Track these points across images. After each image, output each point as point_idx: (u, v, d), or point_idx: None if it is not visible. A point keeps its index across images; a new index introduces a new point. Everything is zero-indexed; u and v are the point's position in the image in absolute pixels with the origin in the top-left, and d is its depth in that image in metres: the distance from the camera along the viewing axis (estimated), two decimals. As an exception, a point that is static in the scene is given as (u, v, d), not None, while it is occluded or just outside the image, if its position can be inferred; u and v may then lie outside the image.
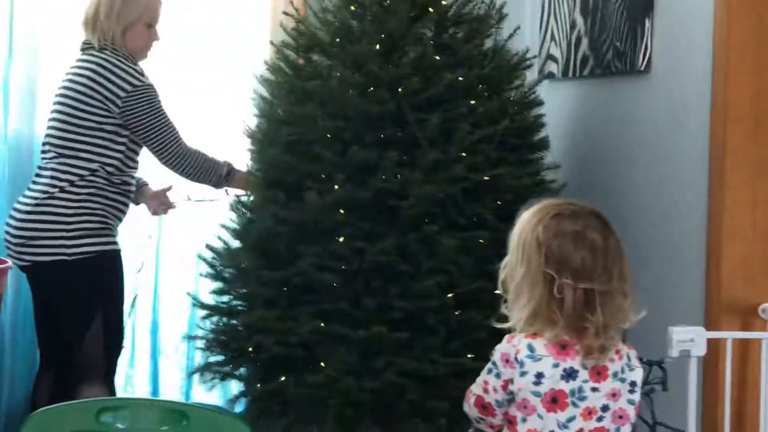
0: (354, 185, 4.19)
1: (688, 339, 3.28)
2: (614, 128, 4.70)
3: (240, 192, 4.59)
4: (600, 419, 2.45)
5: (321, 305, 4.21)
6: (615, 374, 2.47)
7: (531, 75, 4.83)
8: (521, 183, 4.33)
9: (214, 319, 4.57)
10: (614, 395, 2.47)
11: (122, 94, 4.33)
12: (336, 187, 4.20)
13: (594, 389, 2.45)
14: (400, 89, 4.26)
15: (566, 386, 2.43)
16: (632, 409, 2.51)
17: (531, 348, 2.43)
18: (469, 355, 4.15)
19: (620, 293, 2.44)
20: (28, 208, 4.29)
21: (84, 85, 4.34)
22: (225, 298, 4.60)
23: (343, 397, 4.08)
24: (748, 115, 3.94)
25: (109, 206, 4.36)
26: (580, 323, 2.41)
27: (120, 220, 4.45)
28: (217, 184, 4.60)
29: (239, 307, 4.53)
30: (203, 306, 4.61)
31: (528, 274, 2.45)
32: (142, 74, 4.42)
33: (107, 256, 4.34)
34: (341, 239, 4.19)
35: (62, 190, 4.28)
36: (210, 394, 4.76)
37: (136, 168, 4.49)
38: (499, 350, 2.49)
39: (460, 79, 4.33)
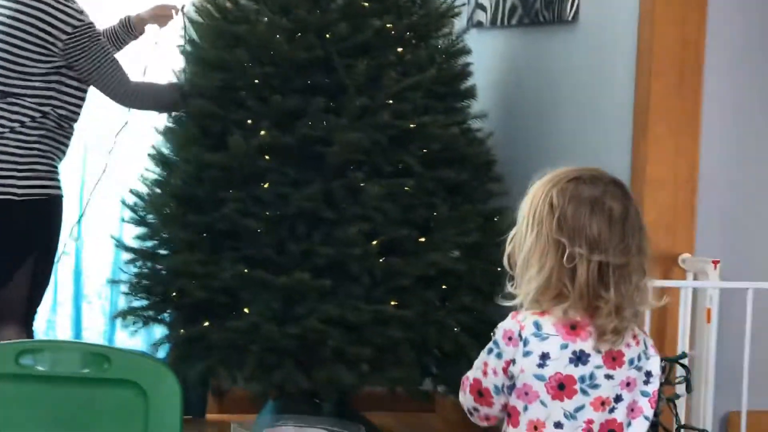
0: (279, 131, 4.17)
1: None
2: (541, 78, 4.71)
3: None
4: (612, 410, 2.15)
5: (244, 251, 4.20)
6: (631, 361, 2.16)
7: (459, 23, 4.82)
8: (448, 131, 4.33)
9: (138, 263, 4.54)
10: (629, 384, 2.16)
11: (64, 36, 4.24)
12: (261, 132, 4.17)
13: (608, 377, 2.14)
14: (328, 35, 4.23)
15: (575, 371, 2.12)
16: (647, 402, 2.20)
17: (537, 325, 2.13)
18: (392, 303, 4.17)
19: (639, 270, 2.15)
20: None
21: (21, 29, 4.24)
22: (149, 243, 4.56)
23: (265, 342, 4.08)
24: (672, 67, 3.97)
25: (58, 149, 4.33)
26: (593, 301, 2.12)
27: (61, 160, 4.42)
28: (172, 108, 4.54)
29: (163, 252, 4.51)
30: (127, 250, 4.57)
31: (538, 241, 2.14)
32: (81, 12, 4.33)
33: (53, 200, 4.31)
34: (265, 185, 4.17)
35: (13, 130, 4.22)
36: (133, 339, 4.74)
37: (80, 111, 4.44)
38: (502, 327, 2.18)
39: (389, 26, 4.31)
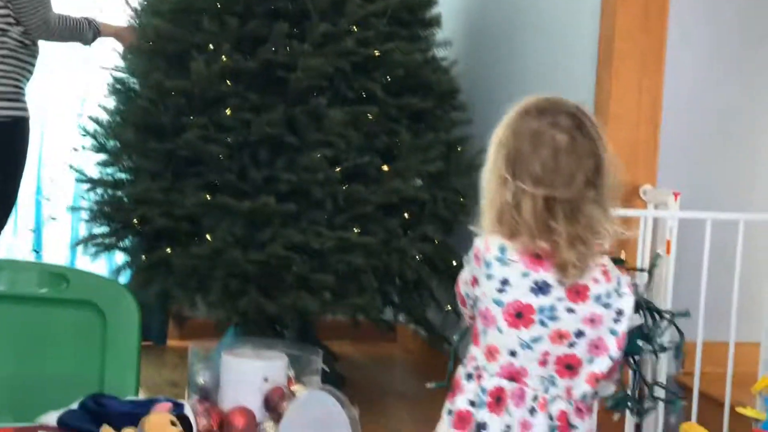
0: (241, 55, 4.14)
1: (569, 214, 3.27)
2: (507, 7, 4.69)
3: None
4: (572, 345, 2.08)
5: (207, 177, 4.19)
6: (598, 297, 2.08)
7: (425, -50, 4.77)
8: (412, 59, 4.32)
9: (99, 191, 4.52)
10: (593, 321, 2.08)
11: None
12: (223, 57, 4.14)
13: (570, 310, 2.07)
14: (291, -40, 4.20)
15: (535, 301, 2.06)
16: (614, 341, 2.10)
17: (502, 249, 2.07)
18: (355, 230, 4.17)
19: (591, 202, 2.06)
20: None
21: None
22: (110, 170, 4.54)
23: (229, 268, 4.08)
24: (637, 3, 3.96)
25: (23, 69, 4.27)
26: (546, 234, 2.06)
27: (28, 81, 4.36)
28: (87, 42, 4.50)
29: (124, 180, 4.49)
30: (87, 179, 4.55)
31: (492, 176, 2.11)
32: None
33: (17, 121, 4.26)
34: (228, 111, 4.15)
35: None
36: (94, 265, 4.72)
37: None
38: (475, 244, 2.13)
39: (353, -49, 4.28)
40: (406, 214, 4.32)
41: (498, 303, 2.08)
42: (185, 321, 5.29)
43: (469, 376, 2.13)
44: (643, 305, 2.20)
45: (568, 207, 2.06)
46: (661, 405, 3.41)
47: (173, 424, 2.34)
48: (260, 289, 4.15)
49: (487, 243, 2.10)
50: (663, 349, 2.33)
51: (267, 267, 4.08)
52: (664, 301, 3.68)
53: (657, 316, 2.32)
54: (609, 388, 2.19)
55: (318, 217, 4.14)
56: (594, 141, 2.09)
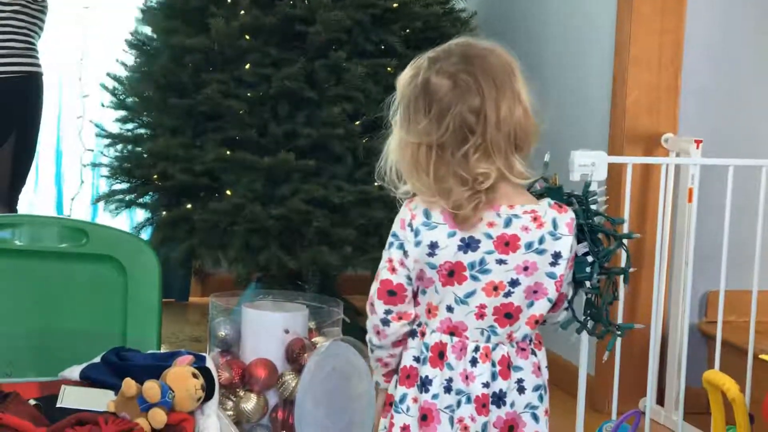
0: (260, 10, 4.11)
1: (590, 163, 3.25)
2: (525, -43, 4.65)
3: None
4: (508, 294, 2.08)
5: (227, 132, 4.17)
6: (529, 245, 2.08)
7: None
8: (430, 11, 4.28)
9: (119, 147, 4.52)
10: (526, 269, 2.08)
11: None
12: (242, 12, 4.12)
13: (500, 261, 2.07)
14: None
15: (465, 258, 2.06)
16: (552, 284, 2.10)
17: (427, 214, 2.07)
18: (375, 184, 4.16)
19: (470, 145, 2.04)
20: None
21: None
22: (129, 126, 4.53)
23: (249, 223, 4.07)
24: (659, -54, 3.93)
25: (34, 24, 4.27)
26: (438, 183, 2.05)
27: (40, 37, 4.36)
28: None
29: (144, 135, 4.48)
30: (107, 134, 4.55)
31: (397, 132, 2.12)
32: None
33: (31, 77, 4.26)
34: (247, 66, 4.13)
35: None
36: (115, 222, 4.73)
37: None
38: (398, 217, 2.12)
39: None
40: (426, 167, 4.30)
41: (431, 266, 2.08)
42: (207, 277, 5.31)
43: (413, 334, 2.13)
44: (586, 230, 2.18)
45: (450, 152, 2.04)
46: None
47: (195, 376, 2.35)
48: (281, 245, 4.15)
49: (411, 210, 2.09)
50: (609, 273, 2.31)
51: (287, 222, 4.08)
52: (686, 249, 3.66)
53: (608, 239, 2.30)
54: (558, 316, 2.20)
55: (338, 171, 4.13)
56: (483, 74, 2.06)
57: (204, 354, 2.51)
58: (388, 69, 4.17)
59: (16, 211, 4.40)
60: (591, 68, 4.21)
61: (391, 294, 2.10)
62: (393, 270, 2.09)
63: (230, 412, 2.51)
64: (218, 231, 4.17)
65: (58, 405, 2.34)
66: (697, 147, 3.80)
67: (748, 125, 4.10)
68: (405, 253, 2.08)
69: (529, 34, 4.59)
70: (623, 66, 3.97)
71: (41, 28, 4.35)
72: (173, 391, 2.30)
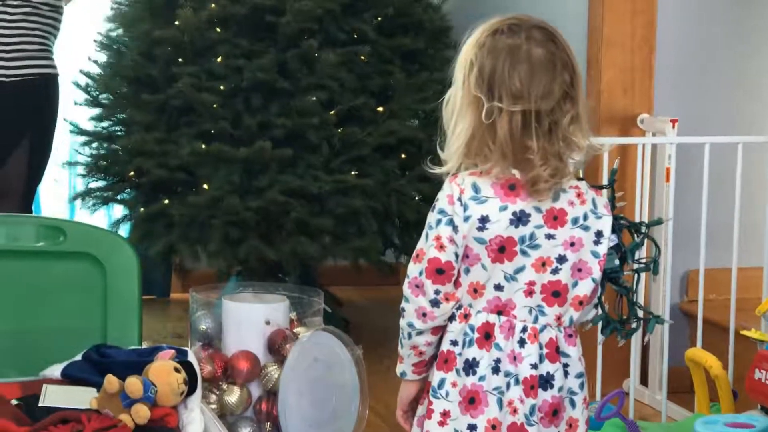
0: (229, 1, 4.10)
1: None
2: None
3: None
4: (555, 271, 2.07)
5: (201, 126, 4.16)
6: (575, 220, 2.08)
7: None
8: (401, -3, 4.29)
9: (94, 145, 4.50)
10: (573, 245, 2.08)
11: None
12: (211, 4, 4.11)
13: (549, 236, 2.06)
14: None
15: (515, 232, 2.04)
16: (596, 263, 2.09)
17: (475, 188, 2.04)
18: (352, 172, 4.15)
19: (566, 114, 2.04)
20: None
21: None
22: (104, 124, 4.52)
23: (227, 216, 4.06)
24: None
25: (47, 25, 4.24)
26: (520, 154, 2.03)
27: (56, 38, 4.34)
28: None
29: (119, 133, 4.47)
30: (82, 132, 4.53)
31: (463, 100, 2.05)
32: None
33: (47, 79, 4.24)
34: (218, 58, 4.12)
35: None
36: (93, 219, 4.71)
37: None
38: (443, 193, 2.06)
39: None
40: (403, 155, 4.30)
41: (480, 241, 2.05)
42: (188, 273, 5.29)
43: (451, 317, 2.10)
44: (616, 222, 2.19)
45: (546, 122, 2.03)
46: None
47: (177, 370, 2.34)
48: (260, 236, 4.14)
49: (459, 185, 2.05)
50: (641, 264, 2.33)
51: (266, 213, 4.07)
52: (665, 229, 3.66)
53: (633, 232, 2.31)
54: (588, 314, 2.18)
55: (315, 161, 4.12)
56: (568, 54, 2.07)
57: (186, 348, 2.50)
58: (361, 57, 4.17)
59: (31, 210, 4.40)
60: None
61: (440, 272, 2.06)
62: (441, 247, 2.05)
63: (214, 406, 2.50)
64: (197, 225, 4.16)
65: (40, 404, 2.32)
66: (673, 126, 3.80)
67: (724, 103, 4.11)
68: (455, 228, 2.04)
69: (500, 12, 4.57)
70: (597, 47, 3.96)
71: (57, 29, 4.32)
72: (155, 386, 2.29)
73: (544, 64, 2.04)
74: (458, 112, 2.07)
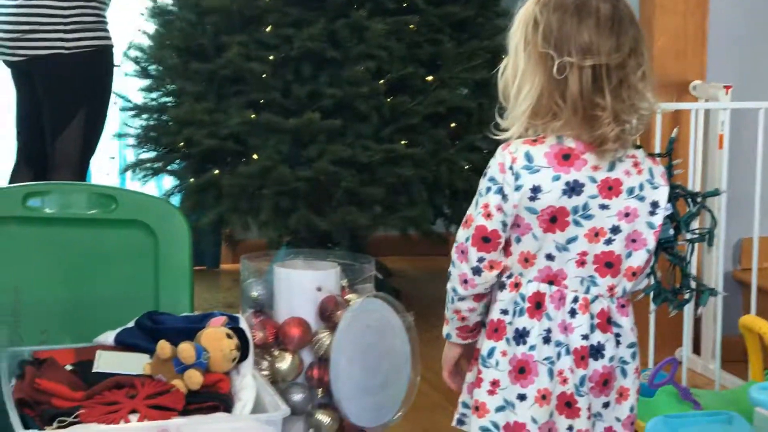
0: (279, -31, 4.10)
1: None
2: None
3: None
4: (609, 242, 2.05)
5: (250, 96, 4.17)
6: (631, 190, 2.05)
7: None
8: (451, -35, 4.26)
9: (144, 116, 4.52)
10: (627, 215, 2.05)
11: None
12: (261, -27, 4.11)
13: (603, 206, 2.03)
14: None
15: (568, 203, 2.02)
16: (651, 234, 2.07)
17: (528, 157, 2.01)
18: (402, 141, 4.15)
19: (635, 70, 2.01)
20: (19, 2, 4.18)
21: None
22: (154, 95, 4.53)
23: (278, 186, 4.07)
24: None
25: None
26: (589, 110, 1.99)
27: (107, 9, 4.36)
28: None
29: (168, 103, 4.48)
30: (132, 105, 4.55)
31: (529, 61, 2.03)
32: None
33: (103, 51, 4.26)
34: (268, 27, 4.12)
35: None
36: (144, 190, 4.73)
37: None
38: (495, 161, 2.05)
39: None
40: (453, 124, 4.28)
41: (531, 211, 2.03)
42: (238, 244, 5.31)
43: (502, 286, 2.09)
44: (672, 191, 2.15)
45: (616, 78, 2.00)
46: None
47: (229, 337, 2.34)
48: (310, 206, 4.15)
49: (512, 153, 2.03)
50: (695, 235, 2.30)
51: (316, 183, 4.07)
52: (719, 197, 3.62)
53: (688, 202, 2.27)
54: (641, 284, 2.15)
55: (364, 130, 4.12)
56: (631, 10, 2.05)
57: (237, 315, 2.51)
58: (410, 26, 4.15)
59: (86, 180, 4.45)
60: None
61: (486, 240, 2.05)
62: (488, 215, 2.04)
63: (265, 372, 2.50)
64: (247, 195, 4.17)
65: (93, 370, 2.34)
66: (727, 93, 3.75)
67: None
68: (504, 197, 2.03)
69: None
70: (649, 13, 3.92)
71: (106, 3, 4.33)
72: (208, 352, 2.30)
73: (612, 19, 2.00)
74: (522, 74, 2.04)
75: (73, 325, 2.62)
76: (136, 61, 4.53)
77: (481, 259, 2.06)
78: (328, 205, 4.16)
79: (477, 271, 2.07)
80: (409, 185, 4.16)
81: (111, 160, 5.36)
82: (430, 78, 4.22)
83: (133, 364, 2.34)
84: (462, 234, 2.09)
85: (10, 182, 4.39)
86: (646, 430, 2.64)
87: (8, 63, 4.29)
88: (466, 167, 4.26)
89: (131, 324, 2.49)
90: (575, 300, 2.06)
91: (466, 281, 2.09)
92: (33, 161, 4.40)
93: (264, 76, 4.12)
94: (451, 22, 4.32)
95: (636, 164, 2.06)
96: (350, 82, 4.06)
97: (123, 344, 2.44)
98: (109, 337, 2.47)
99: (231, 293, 4.87)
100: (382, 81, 4.10)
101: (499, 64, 2.08)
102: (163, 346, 2.29)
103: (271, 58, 4.11)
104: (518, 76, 2.05)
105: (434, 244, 4.65)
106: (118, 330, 2.47)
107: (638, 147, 2.10)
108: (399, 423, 2.62)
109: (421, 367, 2.65)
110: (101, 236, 2.68)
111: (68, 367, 2.34)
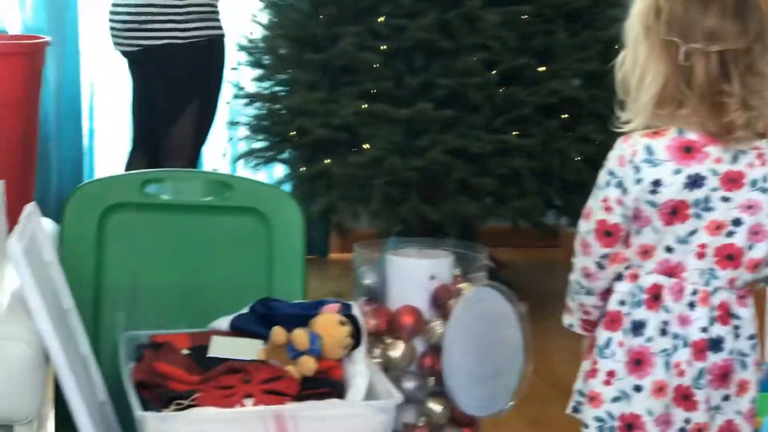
0: (393, -39, 4.11)
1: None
2: None
3: None
4: (730, 234, 2.01)
5: (363, 86, 4.18)
6: (754, 183, 2.01)
7: None
8: (566, -44, 4.23)
9: (257, 105, 4.56)
10: (750, 207, 2.01)
11: None
12: (375, -36, 4.12)
13: (725, 199, 2.00)
14: None
15: (689, 196, 1.99)
16: None
17: (649, 150, 1.98)
18: (514, 133, 4.13)
19: (762, 56, 1.97)
20: None
21: None
22: (266, 84, 4.57)
23: (389, 176, 4.08)
24: None
25: None
26: (716, 97, 1.96)
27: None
28: None
29: (281, 93, 4.51)
30: (245, 93, 4.59)
31: (651, 50, 2.00)
32: None
33: (216, 42, 4.32)
34: (381, 18, 4.13)
35: None
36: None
37: None
38: (614, 153, 2.03)
39: None
40: (564, 115, 4.25)
41: (652, 204, 2.01)
42: (347, 233, 5.33)
43: (619, 277, 2.08)
44: None
45: (743, 63, 1.97)
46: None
47: (342, 324, 2.36)
48: (421, 196, 4.15)
49: (632, 146, 2.01)
50: None
51: (427, 173, 4.07)
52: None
53: None
54: (763, 271, 2.10)
55: (476, 121, 4.11)
56: None
57: (351, 302, 2.52)
58: (523, 16, 4.13)
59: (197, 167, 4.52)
60: None
61: (608, 235, 2.05)
62: (609, 209, 2.04)
63: (377, 360, 2.51)
64: (357, 185, 4.18)
65: (208, 355, 2.37)
66: None
67: None
68: (624, 191, 2.02)
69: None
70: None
71: None
72: (321, 339, 2.31)
73: (737, 4, 1.98)
74: (644, 63, 2.01)
75: (188, 309, 2.66)
76: (249, 51, 4.56)
77: (604, 255, 2.07)
78: (438, 195, 4.16)
79: (600, 266, 2.08)
80: (520, 176, 4.14)
81: (223, 149, 5.42)
82: (542, 69, 4.19)
83: (247, 349, 2.37)
84: (584, 226, 2.09)
85: (127, 169, 4.46)
86: (763, 426, 2.59)
87: (123, 53, 4.36)
88: (578, 159, 4.22)
89: (246, 310, 2.51)
90: (694, 293, 2.04)
91: (589, 275, 2.09)
92: (147, 148, 4.46)
93: (376, 66, 4.13)
94: (565, 13, 4.29)
95: (760, 155, 2.04)
96: (462, 72, 4.05)
97: (238, 329, 2.46)
98: (223, 322, 2.50)
99: (340, 282, 4.89)
100: (494, 71, 4.09)
101: (612, 56, 2.06)
102: (278, 332, 2.31)
103: (383, 48, 4.12)
104: (639, 66, 2.02)
105: (544, 236, 4.63)
106: (233, 316, 2.50)
107: (762, 135, 2.05)
108: (508, 413, 2.61)
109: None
110: (216, 223, 2.72)
111: (184, 352, 2.38)
